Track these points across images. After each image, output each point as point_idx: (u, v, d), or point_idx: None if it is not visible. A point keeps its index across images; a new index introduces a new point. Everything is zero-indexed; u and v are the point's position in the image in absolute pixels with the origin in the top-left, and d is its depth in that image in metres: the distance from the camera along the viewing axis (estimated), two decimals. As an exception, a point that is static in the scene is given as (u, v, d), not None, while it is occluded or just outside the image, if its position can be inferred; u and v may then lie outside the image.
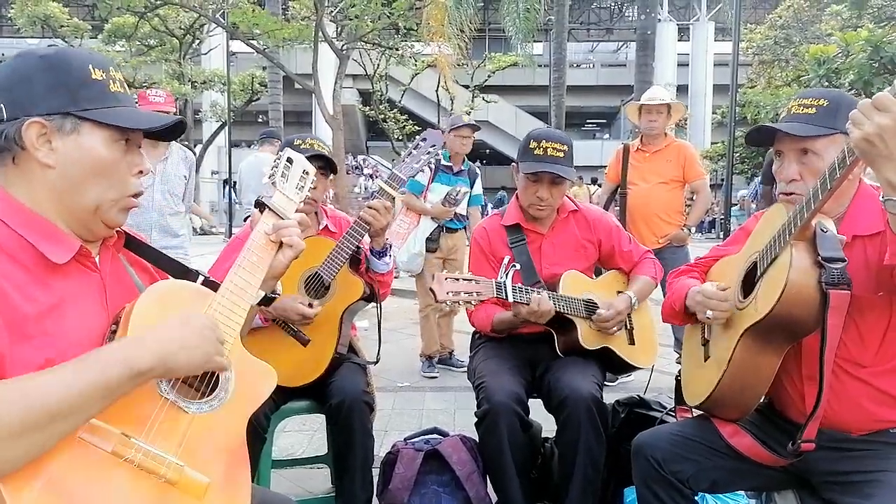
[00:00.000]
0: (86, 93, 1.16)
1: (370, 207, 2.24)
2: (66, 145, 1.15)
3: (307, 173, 1.47)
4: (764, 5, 26.67)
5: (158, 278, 1.39)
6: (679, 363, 4.38)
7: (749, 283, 1.64)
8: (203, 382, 1.22)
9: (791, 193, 1.62)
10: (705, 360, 1.78)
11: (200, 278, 1.36)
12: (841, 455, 1.58)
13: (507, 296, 2.18)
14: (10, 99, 1.14)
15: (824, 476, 1.61)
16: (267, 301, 1.41)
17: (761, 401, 1.71)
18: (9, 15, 20.82)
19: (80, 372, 1.01)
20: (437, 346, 4.80)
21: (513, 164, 2.54)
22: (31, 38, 21.32)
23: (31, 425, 0.95)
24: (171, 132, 1.32)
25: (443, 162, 4.65)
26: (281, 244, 1.36)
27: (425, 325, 4.77)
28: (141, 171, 1.25)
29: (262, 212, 1.39)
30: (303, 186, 1.46)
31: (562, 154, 2.39)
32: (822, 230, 1.47)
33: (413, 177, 2.46)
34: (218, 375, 1.23)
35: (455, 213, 4.67)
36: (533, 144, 2.41)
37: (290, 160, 1.45)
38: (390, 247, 2.41)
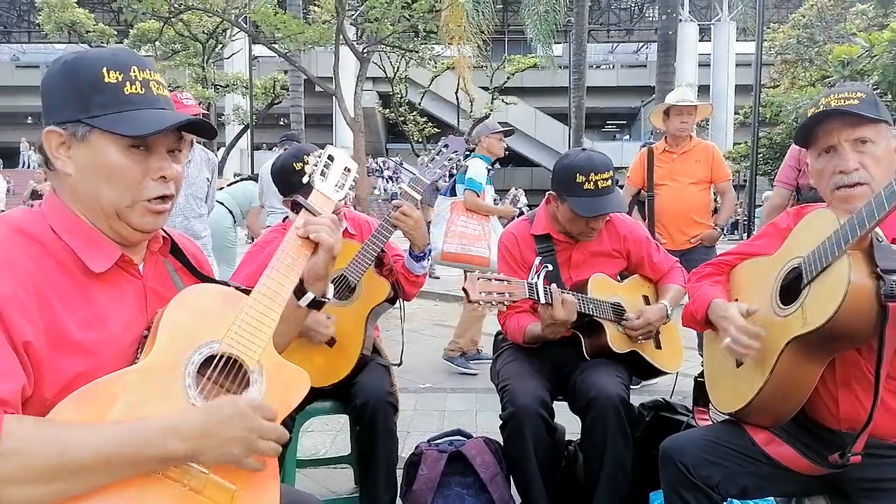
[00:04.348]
0: (98, 98, 1.13)
1: (396, 208, 2.25)
2: (80, 152, 1.15)
3: (348, 170, 1.41)
4: (787, 5, 26.36)
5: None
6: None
7: (788, 289, 1.60)
8: (233, 383, 1.21)
9: (857, 184, 1.57)
10: (738, 367, 1.74)
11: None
12: (875, 462, 1.54)
13: (538, 296, 2.16)
14: (43, 109, 1.17)
15: (857, 483, 1.57)
16: (317, 304, 1.38)
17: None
18: (37, 21, 21.23)
19: (119, 438, 1.02)
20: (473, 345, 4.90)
21: (549, 193, 2.47)
22: (59, 43, 21.76)
23: (58, 475, 0.98)
24: (202, 130, 1.28)
25: (486, 166, 4.78)
26: (317, 246, 1.31)
27: (474, 323, 4.85)
28: (164, 177, 1.20)
29: (297, 212, 1.36)
30: (343, 184, 1.40)
31: (610, 183, 2.33)
32: (878, 240, 1.42)
33: (436, 181, 2.46)
34: (248, 378, 1.21)
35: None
36: (580, 179, 2.29)
37: (330, 157, 1.40)
38: (429, 252, 2.41)
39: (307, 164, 2.33)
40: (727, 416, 1.79)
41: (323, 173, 1.38)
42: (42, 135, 1.16)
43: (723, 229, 4.46)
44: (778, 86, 18.78)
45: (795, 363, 1.55)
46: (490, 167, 4.85)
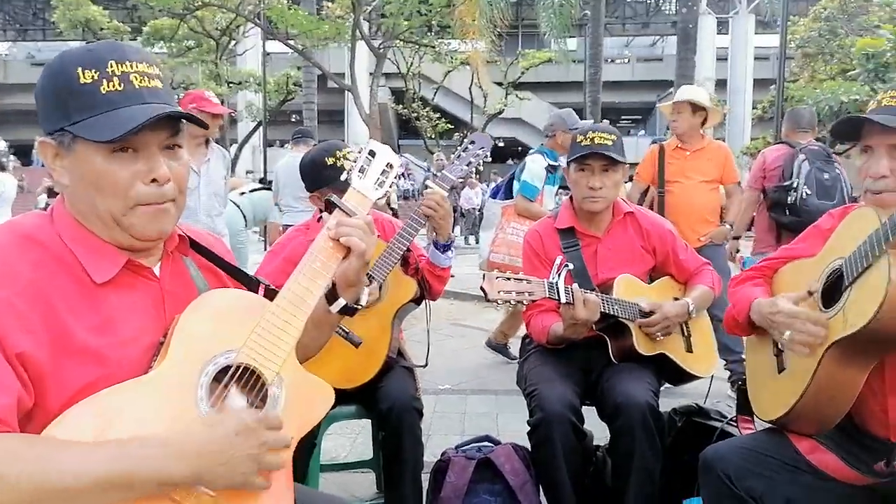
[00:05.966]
0: (75, 102, 1.05)
1: (429, 198, 2.22)
2: (70, 161, 1.08)
3: (390, 166, 1.32)
4: (807, -4, 25.98)
5: (227, 282, 1.33)
6: (728, 370, 4.23)
7: (831, 291, 1.54)
8: (251, 393, 1.14)
9: (880, 192, 1.52)
10: (779, 372, 1.68)
11: (262, 287, 1.30)
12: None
13: (559, 296, 2.10)
14: (38, 118, 1.11)
15: (909, 494, 1.51)
16: (349, 311, 1.31)
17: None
18: (51, 19, 21.40)
19: (108, 462, 0.94)
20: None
21: (563, 167, 2.49)
22: (73, 40, 21.92)
23: (47, 499, 0.91)
24: (192, 119, 1.16)
25: (551, 163, 4.50)
26: (349, 250, 1.22)
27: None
28: (155, 180, 1.09)
29: (330, 212, 1.26)
30: (383, 182, 1.31)
31: (610, 143, 2.34)
32: None
33: (462, 178, 2.40)
34: (266, 390, 1.14)
35: None
36: (580, 138, 2.38)
37: (371, 152, 1.31)
38: (452, 242, 2.37)
39: (339, 159, 2.30)
40: (770, 425, 1.73)
41: (362, 170, 1.29)
42: (38, 145, 1.10)
43: (731, 226, 4.41)
44: (797, 79, 18.46)
45: (839, 367, 1.49)
46: (555, 164, 4.48)
